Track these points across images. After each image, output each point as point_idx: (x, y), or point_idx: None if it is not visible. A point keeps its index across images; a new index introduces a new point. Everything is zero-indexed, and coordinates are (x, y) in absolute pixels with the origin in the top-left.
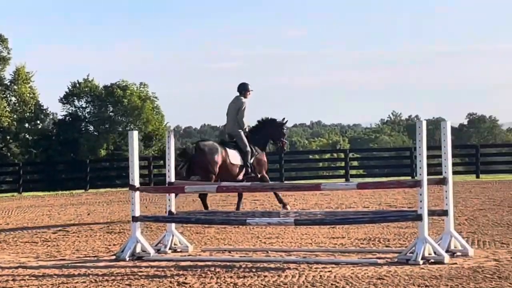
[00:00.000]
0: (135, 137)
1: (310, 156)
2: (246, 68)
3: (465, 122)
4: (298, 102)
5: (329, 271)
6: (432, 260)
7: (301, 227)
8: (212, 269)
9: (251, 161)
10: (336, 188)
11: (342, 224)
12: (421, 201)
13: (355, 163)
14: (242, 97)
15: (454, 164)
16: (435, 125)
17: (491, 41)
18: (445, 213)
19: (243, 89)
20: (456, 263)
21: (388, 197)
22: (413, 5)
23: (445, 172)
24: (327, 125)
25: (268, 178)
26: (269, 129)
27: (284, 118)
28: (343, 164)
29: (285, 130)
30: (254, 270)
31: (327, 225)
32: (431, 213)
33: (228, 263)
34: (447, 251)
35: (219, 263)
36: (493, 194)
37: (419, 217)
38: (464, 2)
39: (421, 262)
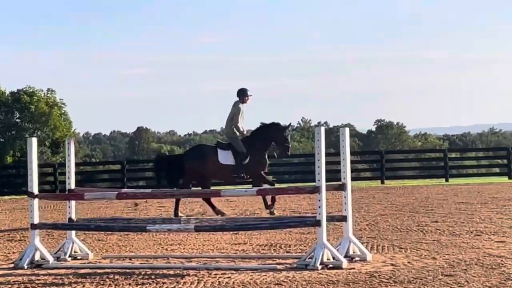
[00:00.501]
0: (34, 144)
1: None
2: (155, 74)
3: (373, 129)
4: (207, 108)
5: (228, 277)
6: (331, 265)
7: (204, 234)
8: (111, 276)
9: (246, 161)
10: (236, 195)
11: (242, 230)
12: (319, 207)
13: None
14: (239, 103)
15: (361, 170)
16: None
17: (399, 48)
18: (344, 218)
19: (240, 94)
20: (354, 268)
21: (294, 203)
22: (320, 12)
23: (344, 178)
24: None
25: (267, 179)
26: (271, 132)
27: (290, 123)
28: None
29: (287, 134)
30: (153, 277)
31: (228, 231)
32: (331, 218)
33: (127, 270)
34: (346, 256)
35: (118, 270)
36: (396, 199)
37: (318, 223)
38: (372, 9)
39: (319, 267)
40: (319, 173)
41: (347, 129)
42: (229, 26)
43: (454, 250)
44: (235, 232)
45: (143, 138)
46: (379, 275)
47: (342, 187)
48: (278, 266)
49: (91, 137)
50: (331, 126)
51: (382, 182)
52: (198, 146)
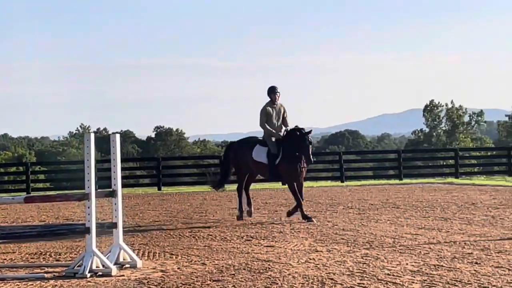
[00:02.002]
0: None
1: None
2: None
3: (153, 135)
4: None
5: None
6: (100, 273)
7: None
8: None
9: (276, 162)
10: (2, 202)
11: (8, 239)
12: (89, 214)
13: (42, 176)
14: (269, 103)
15: (139, 177)
16: (123, 138)
17: (182, 54)
18: (114, 225)
19: (269, 92)
20: (123, 275)
21: (67, 210)
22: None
23: (114, 185)
24: (14, 137)
25: (293, 187)
26: (295, 139)
27: (311, 130)
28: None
29: (307, 142)
30: None
31: None
32: (101, 226)
33: None
34: (116, 263)
35: None
36: (171, 206)
37: (87, 230)
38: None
39: (88, 275)
40: (88, 180)
41: (117, 136)
42: None
43: (224, 255)
44: (3, 241)
45: None
46: (148, 282)
47: (113, 194)
48: (46, 275)
49: None
50: (110, 132)
51: (159, 189)
52: (247, 137)
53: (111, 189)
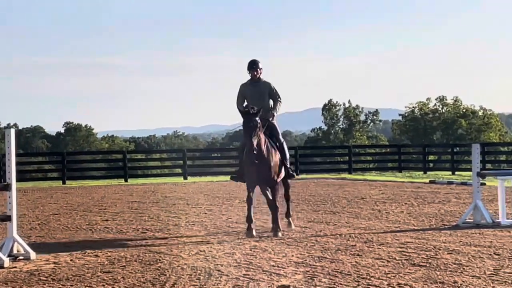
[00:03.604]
0: None
1: None
2: None
3: (62, 131)
4: None
5: None
6: None
7: None
8: None
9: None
10: None
11: None
12: None
13: None
14: (247, 80)
15: (48, 171)
16: (32, 133)
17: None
18: (8, 218)
19: (248, 68)
20: (16, 267)
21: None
22: None
23: (9, 179)
24: None
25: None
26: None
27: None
28: None
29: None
30: None
31: None
32: None
33: None
34: (9, 256)
35: None
36: (73, 199)
37: None
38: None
39: None
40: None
41: (12, 130)
42: None
43: (118, 248)
44: None
45: None
46: (39, 274)
47: (7, 188)
48: None
49: None
50: (20, 128)
51: (64, 183)
52: None
53: (5, 183)
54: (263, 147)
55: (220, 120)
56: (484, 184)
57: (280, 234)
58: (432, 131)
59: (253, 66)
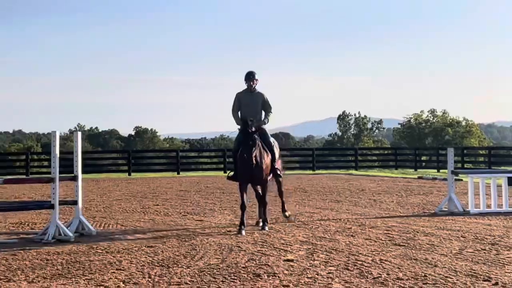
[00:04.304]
0: None
1: None
2: None
3: (133, 133)
4: None
5: None
6: (61, 239)
7: None
8: None
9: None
10: None
11: None
12: (53, 194)
13: (45, 163)
14: (244, 89)
15: (121, 165)
16: (109, 135)
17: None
18: (75, 202)
19: (245, 78)
20: (79, 241)
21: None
22: None
23: (76, 172)
24: (26, 133)
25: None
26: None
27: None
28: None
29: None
30: None
31: None
32: (64, 202)
33: None
34: (76, 232)
35: None
36: (134, 188)
37: (52, 206)
38: None
39: (52, 241)
40: (54, 167)
41: (79, 133)
42: None
43: (162, 227)
44: None
45: None
46: (96, 247)
47: (75, 178)
48: (17, 240)
49: None
50: (100, 130)
51: (129, 174)
52: None
53: (73, 175)
54: (257, 153)
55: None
56: (461, 180)
57: (267, 228)
58: (425, 137)
59: (250, 76)
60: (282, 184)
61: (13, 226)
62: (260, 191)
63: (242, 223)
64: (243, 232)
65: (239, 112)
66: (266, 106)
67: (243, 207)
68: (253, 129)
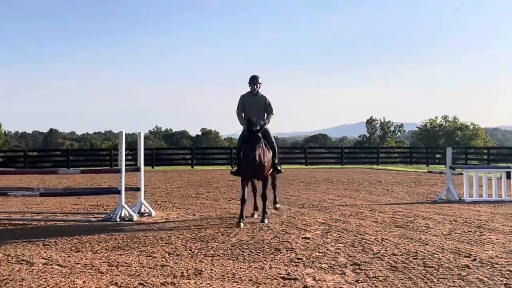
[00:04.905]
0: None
1: None
2: None
3: (200, 133)
4: None
5: (57, 224)
6: (126, 219)
7: (50, 199)
8: None
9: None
10: (64, 173)
11: (72, 195)
12: (120, 182)
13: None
14: (247, 92)
15: (188, 159)
16: (181, 135)
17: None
18: (138, 189)
19: (249, 82)
20: (141, 220)
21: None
22: None
23: (139, 164)
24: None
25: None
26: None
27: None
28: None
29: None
30: (6, 223)
31: (63, 196)
32: (130, 189)
33: None
34: (139, 213)
35: None
36: (193, 177)
37: (119, 192)
38: None
39: (118, 220)
40: (120, 161)
41: (142, 133)
42: None
43: (209, 210)
44: (71, 196)
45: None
46: (153, 225)
47: (138, 170)
48: (92, 218)
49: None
50: (173, 131)
51: (192, 167)
52: None
53: (136, 166)
54: (260, 151)
55: (301, 128)
56: (461, 174)
57: (266, 220)
58: (438, 138)
59: (253, 80)
60: (276, 179)
61: (90, 208)
62: (256, 186)
63: (241, 216)
64: (242, 225)
65: (242, 113)
66: (268, 108)
67: (243, 200)
68: (257, 127)
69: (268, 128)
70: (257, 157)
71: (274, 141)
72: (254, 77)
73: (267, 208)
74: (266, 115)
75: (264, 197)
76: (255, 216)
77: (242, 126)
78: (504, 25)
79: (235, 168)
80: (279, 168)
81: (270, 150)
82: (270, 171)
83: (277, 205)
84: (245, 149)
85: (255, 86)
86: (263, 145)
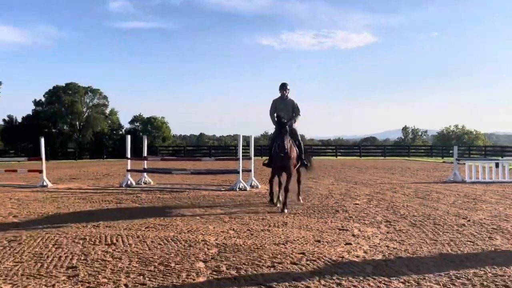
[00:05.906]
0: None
1: None
2: None
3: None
4: None
5: (200, 192)
6: (242, 189)
7: (197, 176)
8: (153, 190)
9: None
10: (210, 160)
11: (210, 174)
12: (238, 166)
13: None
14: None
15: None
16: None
17: None
18: (250, 170)
19: (279, 88)
20: (251, 191)
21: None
22: None
23: (251, 154)
24: None
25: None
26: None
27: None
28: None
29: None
30: (170, 190)
31: (205, 174)
32: (245, 170)
33: (162, 188)
34: (251, 186)
35: (158, 188)
36: None
37: (238, 172)
38: None
39: (237, 190)
40: (239, 153)
41: (252, 136)
42: None
43: (302, 184)
44: (207, 174)
45: None
46: (256, 194)
47: (250, 158)
48: (222, 188)
49: None
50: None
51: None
52: None
53: (248, 156)
54: (288, 146)
55: (358, 132)
56: (464, 163)
57: (286, 211)
58: (451, 140)
59: (283, 87)
60: (301, 175)
61: (223, 182)
62: (282, 182)
63: (271, 192)
64: (275, 200)
65: (274, 114)
66: (295, 110)
67: (271, 183)
68: (286, 120)
69: (296, 128)
70: (286, 146)
71: (301, 140)
72: (284, 84)
73: (288, 199)
74: (294, 115)
75: (286, 190)
76: (278, 205)
77: (274, 126)
78: None
79: (267, 160)
80: (305, 162)
81: (297, 148)
82: (297, 167)
83: (300, 197)
84: (276, 143)
85: (285, 92)
86: (291, 142)
